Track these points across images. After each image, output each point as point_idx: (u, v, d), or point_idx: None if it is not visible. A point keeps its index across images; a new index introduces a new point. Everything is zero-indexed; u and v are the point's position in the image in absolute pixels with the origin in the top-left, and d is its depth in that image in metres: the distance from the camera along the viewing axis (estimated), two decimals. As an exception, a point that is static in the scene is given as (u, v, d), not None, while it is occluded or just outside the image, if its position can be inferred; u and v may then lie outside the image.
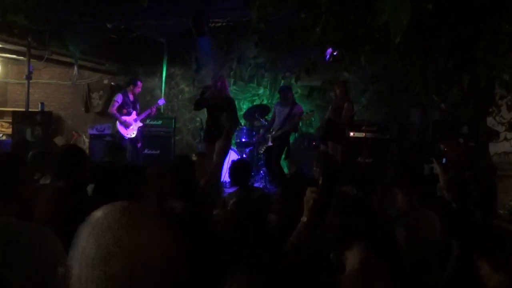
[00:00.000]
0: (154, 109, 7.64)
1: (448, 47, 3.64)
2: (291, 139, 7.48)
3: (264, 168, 7.44)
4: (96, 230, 0.92)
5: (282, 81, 9.03)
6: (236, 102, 9.11)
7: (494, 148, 6.71)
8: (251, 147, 7.82)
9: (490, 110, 6.34)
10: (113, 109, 7.24)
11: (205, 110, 6.76)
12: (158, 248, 0.93)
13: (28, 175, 1.95)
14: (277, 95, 8.01)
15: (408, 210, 2.77)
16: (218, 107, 6.28)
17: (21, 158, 1.99)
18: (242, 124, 8.27)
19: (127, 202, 1.00)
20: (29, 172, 1.97)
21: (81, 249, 0.92)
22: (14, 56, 8.42)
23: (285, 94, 6.97)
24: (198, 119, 7.79)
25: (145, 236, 0.93)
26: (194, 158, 4.64)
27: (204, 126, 6.87)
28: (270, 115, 7.61)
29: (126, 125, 7.30)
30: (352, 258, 1.85)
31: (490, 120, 6.51)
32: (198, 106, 6.56)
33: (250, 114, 8.20)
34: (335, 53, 4.58)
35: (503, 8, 3.30)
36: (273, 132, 6.92)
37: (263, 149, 7.22)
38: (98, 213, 0.97)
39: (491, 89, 5.81)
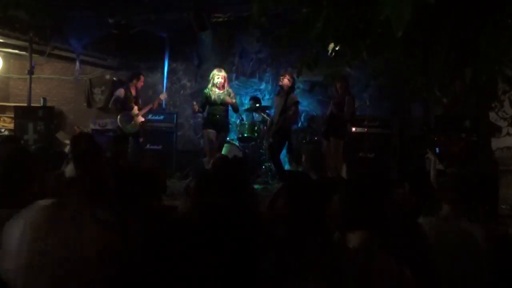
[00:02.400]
0: (156, 104, 7.63)
1: (450, 40, 3.62)
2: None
3: (266, 163, 7.45)
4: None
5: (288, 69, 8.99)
6: (238, 97, 9.15)
7: (497, 143, 6.69)
8: (253, 142, 7.82)
9: (493, 105, 6.32)
10: (114, 104, 7.24)
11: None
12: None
13: (37, 170, 1.92)
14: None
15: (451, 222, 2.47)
16: (221, 99, 6.59)
17: (30, 152, 1.96)
18: (244, 119, 8.27)
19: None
20: (38, 167, 1.95)
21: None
22: (16, 51, 8.43)
23: (283, 75, 6.75)
24: (200, 114, 7.79)
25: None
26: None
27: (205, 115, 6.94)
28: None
29: (128, 120, 7.30)
30: (353, 239, 1.92)
31: (492, 115, 6.49)
32: (203, 108, 6.84)
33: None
34: (337, 48, 4.56)
35: (505, 1, 3.28)
36: (273, 127, 6.88)
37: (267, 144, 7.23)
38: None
39: (494, 84, 5.79)
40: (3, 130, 10.00)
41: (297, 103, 6.74)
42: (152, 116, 8.17)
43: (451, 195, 2.51)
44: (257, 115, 8.09)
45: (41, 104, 8.67)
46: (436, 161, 4.31)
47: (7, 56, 9.78)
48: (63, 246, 1.14)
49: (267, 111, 7.79)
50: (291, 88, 6.70)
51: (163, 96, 7.91)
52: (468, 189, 2.57)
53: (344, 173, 6.51)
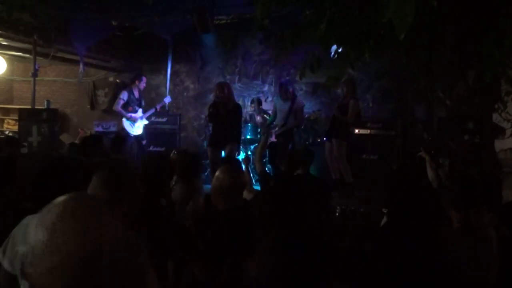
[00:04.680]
0: (159, 107, 7.66)
1: (453, 41, 3.62)
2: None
3: (268, 165, 7.43)
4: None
5: (287, 78, 9.00)
6: (241, 99, 9.15)
7: (500, 144, 6.67)
8: (256, 144, 7.81)
9: (496, 106, 6.30)
10: (118, 106, 7.26)
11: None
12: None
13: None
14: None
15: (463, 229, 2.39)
16: (226, 114, 6.28)
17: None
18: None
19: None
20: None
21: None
22: (20, 53, 8.46)
23: (286, 88, 6.77)
24: (203, 116, 7.81)
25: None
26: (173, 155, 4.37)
27: (209, 132, 6.76)
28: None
29: (132, 122, 7.32)
30: None
31: (495, 117, 6.47)
32: (211, 117, 6.53)
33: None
34: (339, 50, 4.57)
35: (509, 3, 3.28)
36: (276, 128, 6.87)
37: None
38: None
39: (497, 85, 5.78)
40: (7, 132, 10.05)
41: (303, 107, 6.99)
42: (155, 118, 8.18)
43: (459, 205, 2.43)
44: (258, 117, 8.09)
45: (45, 107, 8.69)
46: (430, 160, 4.19)
47: (11, 59, 9.82)
48: None
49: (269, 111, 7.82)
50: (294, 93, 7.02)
51: (167, 100, 7.93)
52: (474, 194, 2.49)
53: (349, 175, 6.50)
